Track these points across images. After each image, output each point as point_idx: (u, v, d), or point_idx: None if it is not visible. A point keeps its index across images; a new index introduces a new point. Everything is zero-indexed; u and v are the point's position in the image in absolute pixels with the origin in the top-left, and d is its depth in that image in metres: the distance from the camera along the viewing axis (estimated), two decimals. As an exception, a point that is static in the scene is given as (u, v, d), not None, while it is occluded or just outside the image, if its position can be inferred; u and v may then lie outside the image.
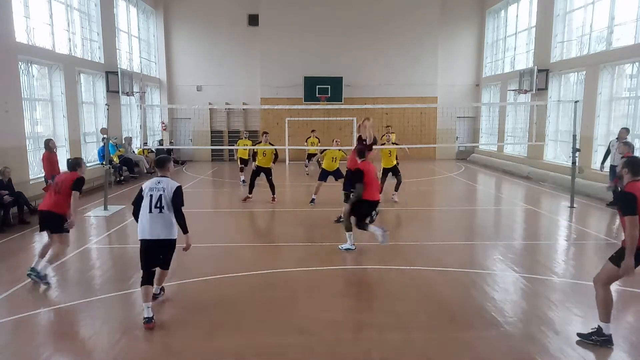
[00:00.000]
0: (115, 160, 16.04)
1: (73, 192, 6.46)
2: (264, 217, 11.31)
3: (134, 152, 17.95)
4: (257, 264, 7.41)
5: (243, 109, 23.12)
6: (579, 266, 7.45)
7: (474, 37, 23.54)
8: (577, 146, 11.96)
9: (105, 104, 12.92)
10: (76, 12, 15.37)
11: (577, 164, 11.86)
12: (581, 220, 10.50)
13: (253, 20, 22.59)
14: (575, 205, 11.50)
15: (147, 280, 5.33)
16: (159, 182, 5.38)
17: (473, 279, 6.69)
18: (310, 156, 18.53)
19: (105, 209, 11.33)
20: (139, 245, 5.41)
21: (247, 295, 6.18)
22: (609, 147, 11.52)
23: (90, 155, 15.93)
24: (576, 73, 15.75)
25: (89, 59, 15.88)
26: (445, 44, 22.98)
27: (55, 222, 6.49)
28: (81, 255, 7.97)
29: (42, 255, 6.58)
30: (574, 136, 11.81)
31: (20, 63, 11.87)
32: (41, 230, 6.82)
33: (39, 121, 13.32)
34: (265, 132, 13.20)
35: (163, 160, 5.62)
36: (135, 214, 5.44)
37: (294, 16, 22.30)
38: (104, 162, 15.30)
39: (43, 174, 12.92)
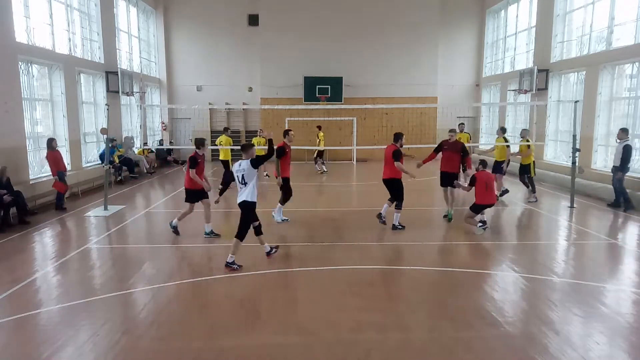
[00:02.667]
0: (115, 160, 16.05)
1: (190, 169, 8.51)
2: (264, 218, 11.28)
3: (133, 152, 17.95)
4: (258, 263, 7.41)
5: (243, 109, 23.13)
6: (579, 266, 7.45)
7: (474, 37, 23.53)
8: (577, 146, 11.97)
9: (105, 104, 12.92)
10: (76, 12, 15.37)
11: (577, 164, 11.88)
12: (581, 220, 10.50)
13: (253, 20, 22.59)
14: (575, 205, 11.50)
15: (240, 238, 7.09)
16: (240, 165, 7.09)
17: (473, 279, 6.70)
18: (321, 154, 18.57)
19: (105, 209, 11.33)
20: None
21: (248, 295, 6.18)
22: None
23: (90, 155, 15.94)
24: (576, 73, 15.75)
25: (89, 59, 15.88)
26: (445, 44, 22.99)
27: (200, 194, 8.70)
28: (81, 255, 7.97)
29: (180, 218, 8.91)
30: (574, 136, 11.82)
31: (20, 63, 11.87)
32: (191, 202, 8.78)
33: (39, 121, 13.32)
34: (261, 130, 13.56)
35: (246, 146, 7.28)
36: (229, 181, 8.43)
37: (294, 16, 22.30)
38: (112, 160, 15.61)
39: (42, 174, 12.99)
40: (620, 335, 5.03)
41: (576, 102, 12.03)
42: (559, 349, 4.70)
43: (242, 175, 7.04)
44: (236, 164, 7.16)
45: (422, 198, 13.20)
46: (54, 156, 11.54)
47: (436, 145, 10.82)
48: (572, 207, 11.45)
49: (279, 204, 10.04)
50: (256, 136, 16.94)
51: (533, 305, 5.80)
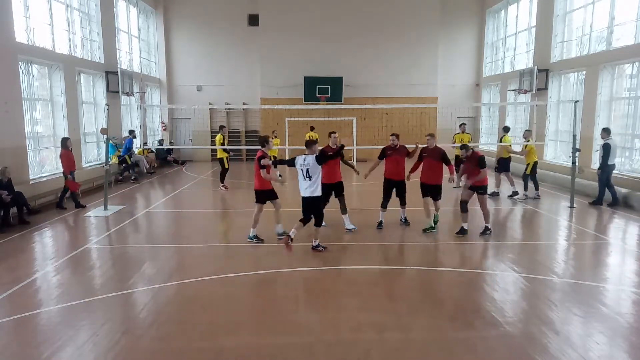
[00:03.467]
0: (114, 160, 16.06)
1: (261, 170, 8.25)
2: (264, 217, 11.29)
3: (134, 152, 17.94)
4: (257, 264, 7.41)
5: (243, 109, 23.13)
6: (579, 266, 7.45)
7: (474, 37, 23.53)
8: (577, 146, 11.98)
9: (105, 104, 12.92)
10: (76, 12, 15.36)
11: (577, 164, 11.89)
12: (581, 220, 10.49)
13: (253, 20, 22.59)
14: (575, 205, 11.50)
15: (304, 223, 7.69)
16: (304, 159, 7.53)
17: (473, 279, 6.70)
18: None
19: (105, 209, 11.33)
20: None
21: (247, 295, 6.19)
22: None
23: (90, 155, 15.94)
24: (576, 73, 15.74)
25: (89, 59, 15.88)
26: (445, 44, 22.99)
27: (270, 194, 8.53)
28: (81, 255, 7.97)
29: (255, 224, 8.59)
30: (574, 136, 11.82)
31: (20, 63, 11.86)
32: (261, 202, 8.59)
33: (39, 121, 13.31)
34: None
35: (310, 142, 7.72)
36: (288, 164, 7.98)
37: (294, 16, 22.30)
38: (127, 155, 16.34)
39: (42, 174, 13.00)
40: (620, 335, 5.03)
41: (576, 102, 12.04)
42: (559, 349, 4.70)
43: (307, 169, 7.47)
44: (300, 158, 7.56)
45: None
46: (67, 155, 11.58)
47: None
48: (572, 207, 11.45)
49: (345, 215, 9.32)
50: (274, 137, 16.26)
51: (533, 305, 5.80)
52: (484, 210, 8.89)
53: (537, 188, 12.79)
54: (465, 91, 23.69)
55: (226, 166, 14.52)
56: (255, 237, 8.56)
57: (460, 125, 15.06)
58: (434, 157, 9.08)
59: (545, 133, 16.75)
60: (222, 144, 14.47)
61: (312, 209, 7.70)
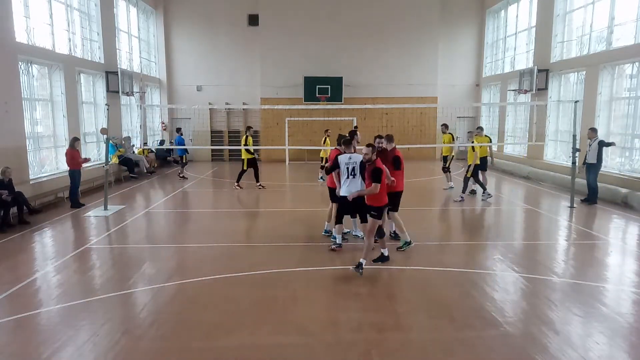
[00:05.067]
0: (114, 160, 16.06)
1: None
2: (264, 217, 11.31)
3: (133, 152, 17.95)
4: (257, 264, 7.40)
5: (243, 109, 23.13)
6: (579, 266, 7.45)
7: (474, 37, 23.53)
8: (577, 146, 11.98)
9: (105, 104, 12.93)
10: (76, 12, 15.36)
11: (577, 164, 11.89)
12: (581, 220, 10.49)
13: (253, 20, 22.60)
14: (575, 205, 11.51)
15: (339, 220, 7.89)
16: (350, 158, 7.55)
17: (473, 279, 6.69)
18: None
19: (105, 209, 11.33)
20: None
21: (247, 295, 6.18)
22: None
23: (90, 155, 15.91)
24: (576, 73, 15.75)
25: (89, 59, 15.88)
26: (445, 44, 22.99)
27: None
28: (81, 255, 7.97)
29: (330, 218, 8.62)
30: (574, 136, 11.83)
31: (20, 63, 11.87)
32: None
33: (39, 121, 13.32)
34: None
35: (348, 140, 7.73)
36: (329, 171, 8.01)
37: (294, 16, 22.30)
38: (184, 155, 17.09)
39: (42, 174, 13.02)
40: (620, 335, 5.03)
41: (576, 102, 12.04)
42: (559, 349, 4.70)
43: (353, 167, 7.49)
44: (345, 157, 7.59)
45: (423, 198, 13.20)
46: (72, 154, 11.69)
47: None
48: (572, 207, 11.45)
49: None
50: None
51: (533, 305, 5.80)
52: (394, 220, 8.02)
53: (484, 189, 12.41)
54: (465, 91, 23.69)
55: (245, 167, 14.28)
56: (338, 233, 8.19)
57: (477, 128, 14.03)
58: (385, 160, 7.68)
59: (545, 133, 16.76)
60: (245, 144, 14.24)
61: (356, 206, 7.52)
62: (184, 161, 17.35)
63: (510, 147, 20.63)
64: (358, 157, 7.46)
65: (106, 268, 7.40)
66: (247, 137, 14.05)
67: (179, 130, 17.47)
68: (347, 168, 7.54)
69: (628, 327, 5.20)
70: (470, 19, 23.38)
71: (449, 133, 14.37)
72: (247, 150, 14.05)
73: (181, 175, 17.05)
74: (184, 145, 17.15)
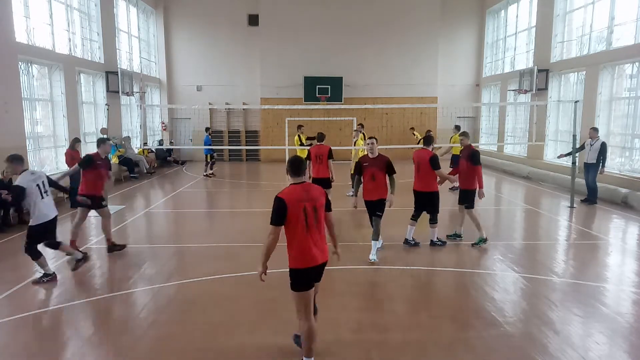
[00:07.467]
0: (114, 160, 16.06)
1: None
2: (264, 217, 11.29)
3: (133, 152, 17.94)
4: (257, 263, 7.38)
5: (243, 109, 23.13)
6: (579, 266, 7.45)
7: (474, 37, 23.54)
8: (577, 146, 11.98)
9: (105, 104, 12.94)
10: (76, 12, 15.37)
11: (577, 164, 11.89)
12: (581, 220, 10.49)
13: (253, 20, 22.59)
14: (575, 205, 11.50)
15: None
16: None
17: (473, 279, 6.70)
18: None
19: (105, 209, 11.30)
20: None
21: (247, 295, 6.18)
22: (583, 145, 12.27)
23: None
24: (576, 73, 15.74)
25: (89, 59, 15.88)
26: (445, 44, 22.98)
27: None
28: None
29: None
30: (574, 136, 11.83)
31: (20, 63, 11.87)
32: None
33: (39, 121, 13.32)
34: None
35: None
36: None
37: (294, 16, 22.30)
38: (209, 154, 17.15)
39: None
40: (620, 335, 5.03)
41: (576, 102, 12.04)
42: (559, 349, 4.70)
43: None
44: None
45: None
46: (71, 155, 11.72)
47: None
48: (572, 207, 11.45)
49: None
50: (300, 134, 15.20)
51: (533, 305, 5.80)
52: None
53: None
54: (465, 91, 23.69)
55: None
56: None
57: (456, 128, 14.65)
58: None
59: (545, 133, 16.76)
60: (302, 144, 14.30)
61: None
62: (211, 160, 17.39)
63: (510, 147, 20.62)
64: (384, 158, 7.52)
65: (106, 268, 7.41)
66: (299, 135, 14.43)
67: (207, 130, 17.75)
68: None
69: (628, 327, 5.20)
70: (470, 19, 23.39)
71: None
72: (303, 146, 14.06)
73: (205, 173, 17.16)
74: (211, 145, 17.24)
